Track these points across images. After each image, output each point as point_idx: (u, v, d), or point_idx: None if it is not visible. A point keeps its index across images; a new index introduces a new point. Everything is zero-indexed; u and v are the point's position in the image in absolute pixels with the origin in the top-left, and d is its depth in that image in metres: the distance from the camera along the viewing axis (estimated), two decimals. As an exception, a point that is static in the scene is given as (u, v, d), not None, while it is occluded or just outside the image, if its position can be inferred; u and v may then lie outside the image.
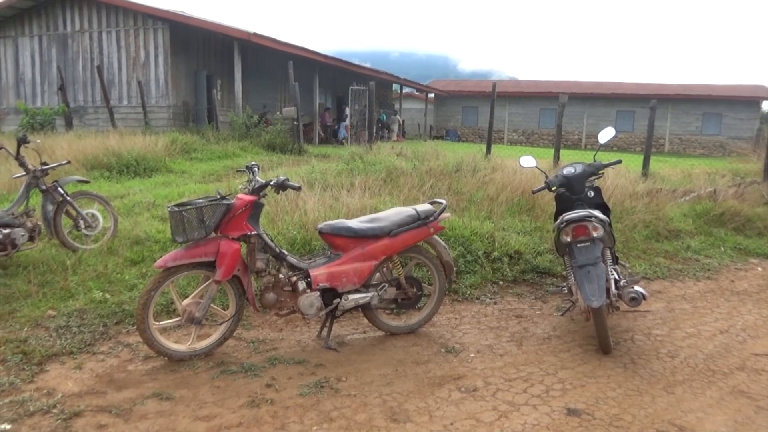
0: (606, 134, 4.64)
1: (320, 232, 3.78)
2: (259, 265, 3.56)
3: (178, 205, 3.44)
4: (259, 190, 3.59)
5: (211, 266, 3.41)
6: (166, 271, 3.33)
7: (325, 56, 20.84)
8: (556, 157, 10.76)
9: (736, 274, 5.88)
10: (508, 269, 5.19)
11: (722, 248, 6.67)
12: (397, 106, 30.01)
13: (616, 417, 2.94)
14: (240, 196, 3.56)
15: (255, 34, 16.77)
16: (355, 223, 3.82)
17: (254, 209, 3.56)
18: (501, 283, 5.07)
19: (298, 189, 3.66)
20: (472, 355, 3.67)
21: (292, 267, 3.64)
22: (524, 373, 3.41)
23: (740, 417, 2.99)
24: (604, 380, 3.35)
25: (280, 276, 3.61)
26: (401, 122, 28.71)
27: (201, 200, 3.52)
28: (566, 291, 4.25)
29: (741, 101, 29.88)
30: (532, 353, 3.72)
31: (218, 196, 3.48)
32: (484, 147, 12.34)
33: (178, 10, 17.97)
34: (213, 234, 3.45)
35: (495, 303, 4.69)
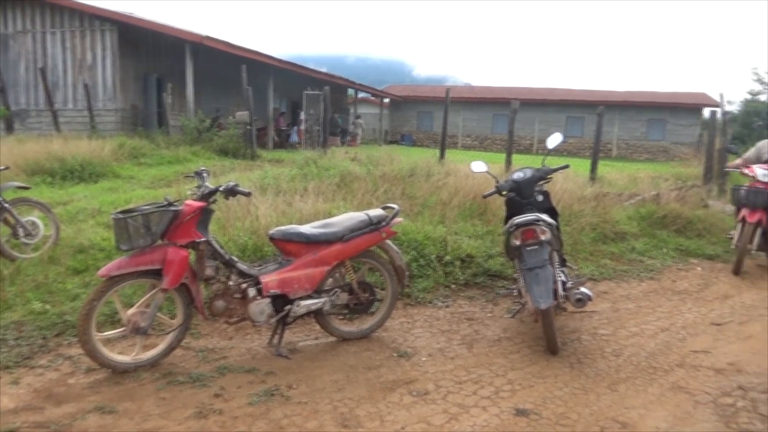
0: (554, 140, 4.75)
1: (271, 238, 3.74)
2: (208, 272, 3.50)
3: (123, 212, 3.35)
4: (208, 196, 3.52)
5: (157, 274, 3.32)
6: (109, 280, 3.23)
7: (280, 60, 20.69)
8: (508, 162, 10.99)
9: (677, 274, 6.12)
10: (460, 273, 5.25)
11: (665, 249, 6.92)
12: (353, 110, 30.03)
13: (562, 416, 3.01)
14: (188, 202, 3.49)
15: (207, 37, 16.51)
16: (307, 228, 3.79)
17: (203, 215, 3.49)
18: (453, 286, 5.13)
19: (248, 195, 3.62)
20: (423, 358, 3.69)
21: (242, 274, 3.59)
22: (474, 375, 3.46)
23: (679, 412, 3.11)
24: (551, 380, 3.43)
25: (230, 283, 3.55)
26: (359, 126, 28.80)
27: (147, 207, 3.44)
28: (516, 293, 4.33)
29: (683, 108, 31.14)
30: (483, 355, 3.78)
31: (165, 203, 3.41)
32: (438, 152, 12.49)
33: (127, 11, 17.53)
34: (160, 241, 3.37)
35: (447, 306, 4.73)
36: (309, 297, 3.70)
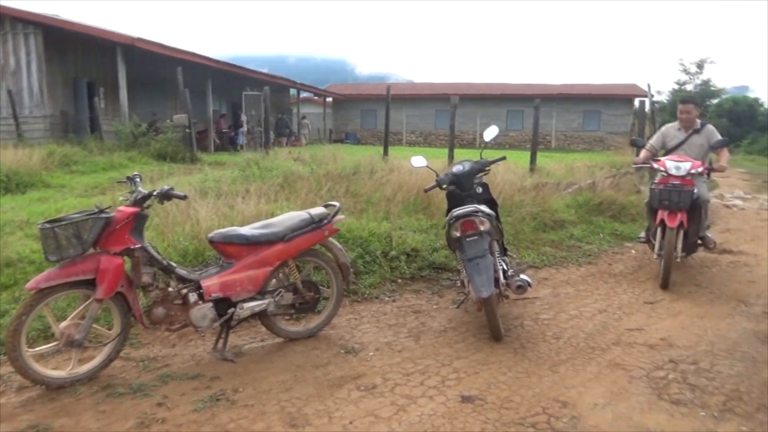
0: (490, 132, 4.85)
1: (211, 242, 3.67)
2: (146, 279, 3.40)
3: (51, 221, 3.21)
4: (141, 201, 3.43)
5: (91, 284, 3.21)
6: (39, 293, 3.10)
7: (218, 61, 20.30)
8: (451, 157, 11.14)
9: (613, 258, 6.37)
10: (405, 267, 5.30)
11: (601, 235, 7.19)
12: (296, 110, 29.77)
13: (506, 399, 3.09)
14: (121, 208, 3.38)
15: (139, 39, 16.01)
16: (247, 230, 3.75)
17: (137, 221, 3.39)
18: (399, 281, 5.17)
19: (183, 198, 3.54)
20: (371, 353, 3.71)
21: (182, 279, 3.51)
22: (421, 367, 3.50)
23: (616, 388, 3.24)
24: (495, 366, 3.51)
25: (169, 289, 3.47)
26: (306, 126, 28.57)
27: (77, 215, 3.31)
28: (459, 284, 4.41)
29: (617, 99, 32.37)
30: (429, 346, 3.83)
31: (96, 210, 3.29)
32: (382, 149, 12.54)
33: (52, 13, 16.78)
34: (92, 250, 3.25)
35: (394, 301, 4.77)
36: (252, 299, 3.65)
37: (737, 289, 5.31)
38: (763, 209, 10.76)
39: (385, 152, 11.59)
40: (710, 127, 5.88)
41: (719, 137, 5.76)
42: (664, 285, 5.18)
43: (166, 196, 3.47)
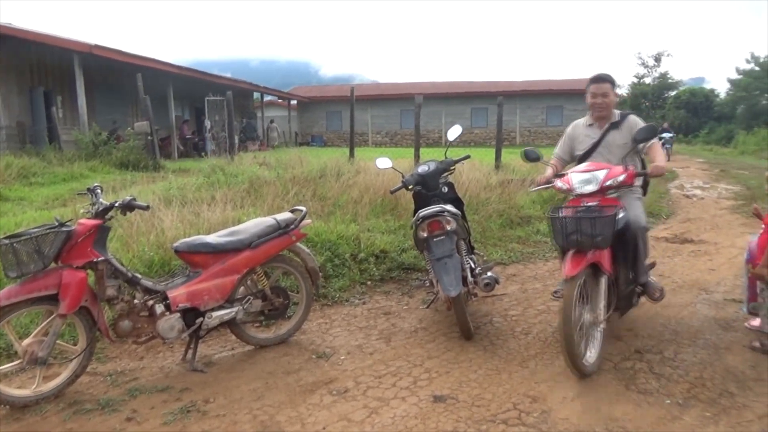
0: (454, 132, 4.90)
1: (176, 251, 3.62)
2: (110, 292, 3.34)
3: (9, 237, 3.12)
4: (103, 213, 3.36)
5: (54, 299, 3.13)
6: (-1, 311, 3.01)
7: (179, 67, 20.01)
8: (417, 156, 11.19)
9: (578, 252, 6.48)
10: (375, 269, 5.31)
11: (566, 229, 7.31)
12: (260, 114, 29.51)
13: (478, 397, 3.12)
14: (82, 221, 3.31)
15: (97, 46, 15.68)
16: (213, 238, 3.70)
17: (99, 234, 3.32)
18: (369, 283, 5.18)
19: (146, 208, 3.49)
20: (342, 357, 3.71)
21: (148, 290, 3.45)
22: (393, 368, 3.51)
23: (585, 380, 3.30)
24: (466, 364, 3.54)
25: (135, 301, 3.41)
26: (267, 129, 28.35)
27: (36, 229, 3.23)
28: (428, 284, 4.44)
29: (578, 94, 32.78)
30: (401, 348, 3.85)
31: (56, 223, 3.21)
32: (348, 151, 12.53)
33: (5, 22, 16.27)
34: (54, 264, 3.18)
35: (364, 303, 4.77)
36: (221, 307, 3.61)
37: (698, 277, 5.47)
38: (722, 198, 11.10)
39: (351, 154, 11.59)
40: (633, 117, 4.06)
41: (643, 125, 3.86)
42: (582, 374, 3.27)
43: (128, 206, 3.41)
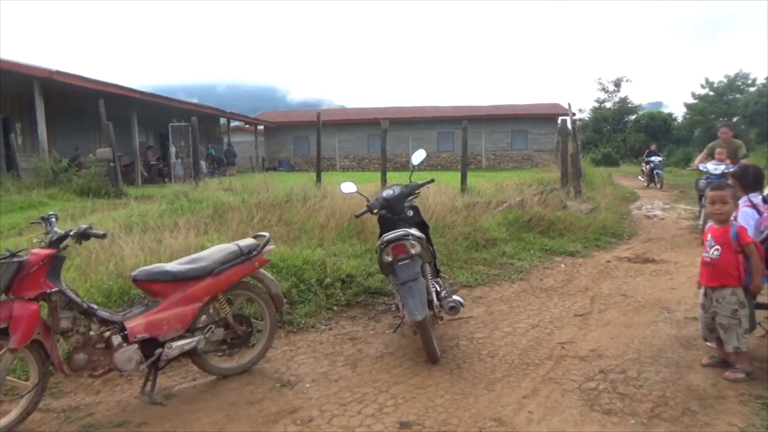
0: (418, 156, 4.95)
1: (135, 280, 3.52)
2: (64, 324, 3.21)
3: (-44, 269, 2.99)
4: (57, 242, 3.25)
5: (4, 333, 3.00)
6: (-56, 347, 2.87)
7: (143, 92, 19.79)
8: (384, 180, 11.22)
9: (543, 273, 6.56)
10: (341, 294, 5.26)
11: (532, 251, 7.40)
12: (226, 139, 29.32)
13: (444, 422, 3.09)
14: (35, 250, 3.20)
15: (58, 72, 15.41)
16: (173, 265, 3.62)
17: (53, 264, 3.21)
18: (335, 308, 5.12)
19: (102, 237, 3.40)
20: (307, 385, 3.64)
21: (104, 321, 3.34)
22: (359, 395, 3.46)
23: (550, 402, 3.31)
24: (433, 389, 3.51)
25: (91, 333, 3.29)
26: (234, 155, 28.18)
27: (-16, 260, 3.10)
28: (395, 308, 4.42)
29: (542, 118, 33.70)
30: (366, 374, 3.79)
31: (7, 254, 3.10)
32: (315, 175, 12.50)
33: (-39, 47, 15.89)
34: (4, 296, 3.05)
35: (330, 329, 4.71)
36: (181, 337, 3.51)
37: (660, 296, 5.57)
38: (681, 218, 11.39)
39: (318, 179, 11.56)
40: None
41: None
42: None
43: (83, 235, 3.32)
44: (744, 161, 7.81)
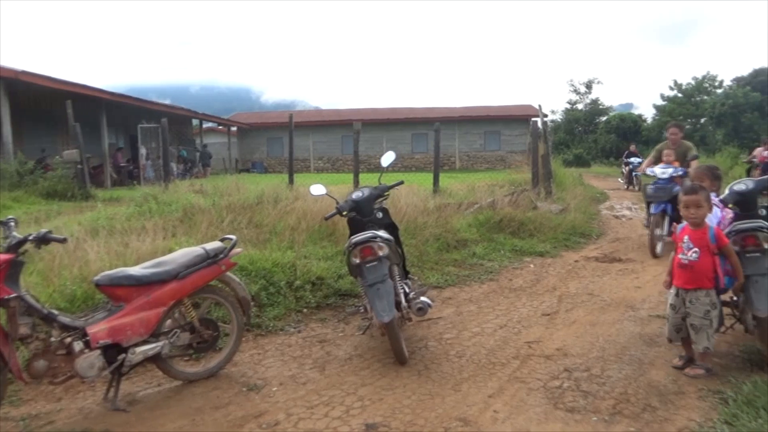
0: (387, 158, 4.96)
1: (97, 285, 3.46)
2: (23, 330, 3.14)
3: None
4: (16, 247, 3.18)
5: (-41, 341, 2.93)
6: None
7: (112, 93, 19.45)
8: (356, 182, 11.21)
9: (513, 273, 6.63)
10: (311, 296, 5.25)
11: (502, 251, 7.47)
12: (199, 141, 29.00)
13: (410, 423, 3.10)
14: (-7, 256, 3.13)
15: (24, 72, 15.06)
16: (137, 270, 3.57)
17: (12, 269, 3.14)
18: (305, 310, 5.11)
19: (63, 241, 3.33)
20: (274, 388, 3.62)
21: (66, 327, 3.27)
22: (326, 398, 3.45)
23: (515, 401, 3.35)
24: (400, 390, 3.53)
25: (52, 339, 3.23)
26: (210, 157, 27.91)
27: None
28: (363, 310, 4.42)
29: (514, 119, 34.03)
30: (335, 376, 3.79)
31: (-37, 259, 3.02)
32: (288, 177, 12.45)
33: None
34: (-41, 303, 2.98)
35: (299, 332, 4.69)
36: (145, 342, 3.46)
37: (625, 295, 5.67)
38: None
39: (291, 180, 11.51)
40: None
41: None
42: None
43: (43, 240, 3.25)
44: (695, 162, 7.59)
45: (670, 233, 7.04)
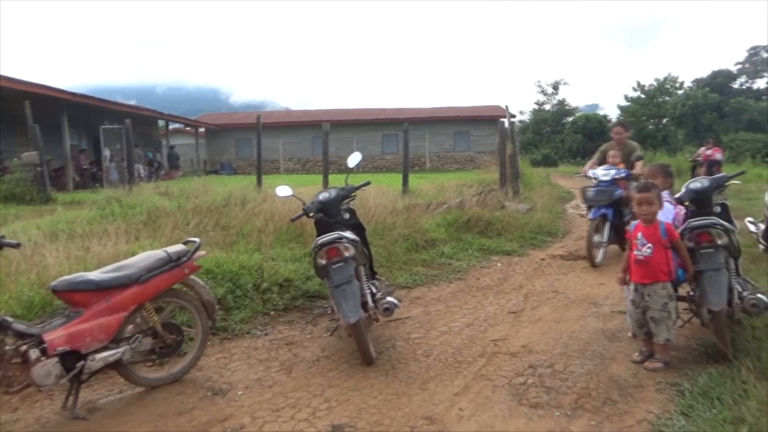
0: (354, 159, 4.95)
1: (54, 291, 3.37)
2: (-24, 339, 3.06)
3: None
4: (-33, 253, 3.09)
5: None
6: None
7: (74, 93, 18.98)
8: (325, 183, 11.17)
9: (480, 272, 6.69)
10: (278, 298, 5.20)
11: (470, 251, 7.53)
12: (165, 142, 28.53)
13: (376, 423, 3.11)
14: (-57, 262, 3.03)
15: (-21, 72, 14.60)
16: (96, 274, 3.49)
17: (-37, 275, 3.05)
18: (272, 313, 5.06)
19: (16, 246, 3.24)
20: (240, 392, 3.58)
21: (21, 335, 3.17)
22: (292, 400, 3.43)
23: (480, 398, 3.38)
24: (367, 390, 3.53)
25: (6, 347, 3.14)
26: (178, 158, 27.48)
27: None
28: (330, 311, 4.40)
29: (483, 120, 34.27)
30: (301, 378, 3.77)
31: None
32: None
33: None
34: None
35: (266, 334, 4.65)
36: (106, 348, 3.39)
37: (589, 291, 5.77)
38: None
39: (259, 182, 11.41)
40: None
41: None
42: None
43: (-5, 245, 3.16)
44: (639, 164, 7.17)
45: (611, 240, 7.00)
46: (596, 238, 6.90)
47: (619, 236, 6.86)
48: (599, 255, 6.93)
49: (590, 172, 7.29)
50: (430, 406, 3.29)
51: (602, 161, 7.55)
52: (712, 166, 16.93)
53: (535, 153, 41.48)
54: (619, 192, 6.94)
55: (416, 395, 3.44)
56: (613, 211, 6.90)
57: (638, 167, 7.13)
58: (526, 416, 3.14)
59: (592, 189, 7.01)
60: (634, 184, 5.50)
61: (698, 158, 18.70)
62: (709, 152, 17.99)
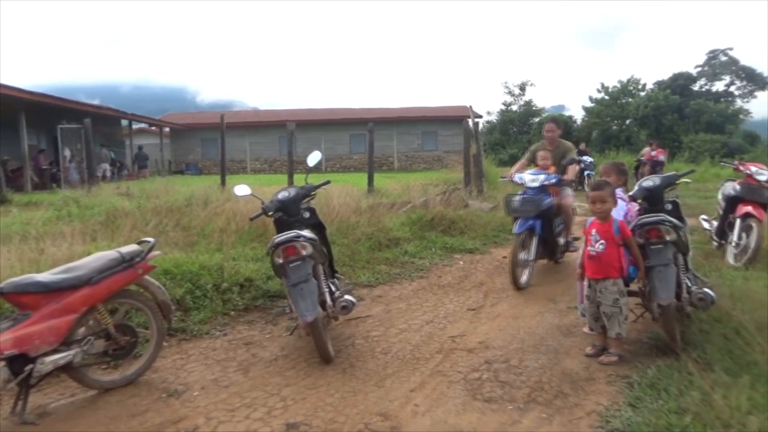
0: (313, 158, 4.96)
1: (1, 293, 3.29)
2: None
3: None
4: None
5: None
6: None
7: (32, 92, 18.46)
8: (290, 183, 11.13)
9: (443, 270, 6.75)
10: (238, 298, 5.17)
11: (433, 249, 7.59)
12: (128, 142, 28.00)
13: (331, 421, 3.12)
14: None
15: (-70, 69, 14.09)
16: (45, 276, 3.41)
17: None
18: (232, 313, 5.02)
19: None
20: (195, 393, 3.55)
21: (-35, 339, 3.10)
22: (248, 400, 3.42)
23: (436, 394, 3.42)
24: (324, 389, 3.53)
25: (-50, 353, 3.05)
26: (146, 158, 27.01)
27: None
28: (289, 310, 4.40)
29: (450, 120, 34.55)
30: (258, 378, 3.75)
31: None
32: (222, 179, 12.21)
33: None
34: None
35: (225, 335, 4.61)
36: (56, 351, 3.32)
37: (548, 288, 5.88)
38: (577, 216, 12.02)
39: (223, 182, 11.30)
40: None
41: None
42: None
43: (-62, 246, 3.07)
44: (571, 168, 6.33)
45: (539, 255, 6.03)
46: (522, 255, 5.80)
47: (550, 248, 6.27)
48: (524, 275, 5.86)
49: (517, 177, 6.28)
50: (386, 403, 3.32)
51: (532, 163, 6.74)
52: (656, 166, 17.42)
53: (502, 153, 41.89)
54: (549, 200, 5.98)
55: (372, 392, 3.47)
56: (542, 222, 5.92)
57: (570, 173, 6.29)
58: (479, 410, 3.19)
59: (517, 197, 6.00)
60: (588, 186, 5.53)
61: (642, 158, 19.13)
62: (653, 153, 18.49)
